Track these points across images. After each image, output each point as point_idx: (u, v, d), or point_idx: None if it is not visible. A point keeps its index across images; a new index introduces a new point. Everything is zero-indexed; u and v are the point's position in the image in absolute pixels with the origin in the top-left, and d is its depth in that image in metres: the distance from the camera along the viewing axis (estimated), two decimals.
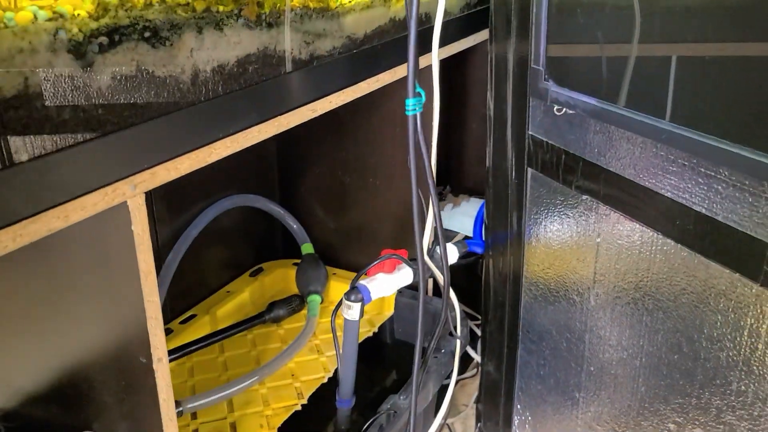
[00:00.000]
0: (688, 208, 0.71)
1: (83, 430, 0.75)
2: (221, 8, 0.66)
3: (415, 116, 0.75)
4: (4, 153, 0.50)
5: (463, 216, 1.36)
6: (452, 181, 1.55)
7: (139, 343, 0.67)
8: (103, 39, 0.55)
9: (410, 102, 0.74)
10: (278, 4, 0.74)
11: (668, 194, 0.73)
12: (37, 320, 0.73)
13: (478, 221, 1.31)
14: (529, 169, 0.98)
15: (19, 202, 0.51)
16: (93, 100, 0.56)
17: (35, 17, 0.49)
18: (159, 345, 0.67)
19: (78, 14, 0.52)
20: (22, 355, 0.79)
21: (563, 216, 0.93)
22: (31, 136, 0.51)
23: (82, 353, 0.72)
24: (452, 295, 1.06)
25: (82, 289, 0.69)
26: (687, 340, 0.75)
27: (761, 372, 0.66)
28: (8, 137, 0.50)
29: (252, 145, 0.74)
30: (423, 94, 0.76)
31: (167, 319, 1.17)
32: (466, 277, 1.42)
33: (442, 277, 0.97)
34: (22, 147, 0.50)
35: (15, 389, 0.83)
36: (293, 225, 1.32)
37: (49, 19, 0.50)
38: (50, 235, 0.54)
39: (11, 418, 0.84)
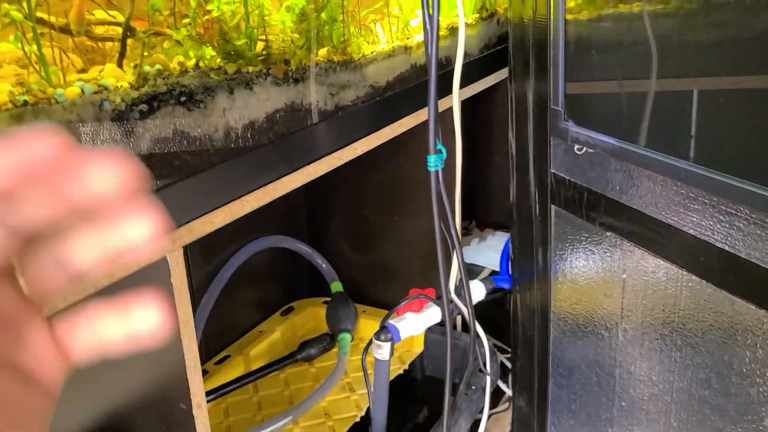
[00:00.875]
0: (710, 245, 0.72)
1: None
2: (251, 69, 0.69)
3: (437, 172, 0.78)
4: None
5: (489, 250, 1.37)
6: (478, 215, 1.56)
7: (179, 391, 0.69)
8: (143, 106, 0.58)
9: (432, 158, 0.77)
10: (304, 60, 0.78)
11: (691, 231, 0.74)
12: (82, 371, 0.76)
13: (505, 256, 1.32)
14: (553, 206, 0.99)
15: None
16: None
17: (82, 91, 0.52)
18: (198, 391, 0.69)
19: (120, 85, 0.56)
20: (67, 405, 0.82)
21: (588, 252, 0.94)
22: None
23: (125, 401, 0.75)
24: (480, 331, 1.07)
25: None
26: (717, 376, 0.75)
27: None
28: None
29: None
30: (444, 151, 0.79)
31: (202, 360, 1.20)
32: (495, 310, 1.43)
33: (467, 312, 0.98)
34: None
35: None
36: (322, 264, 1.34)
37: (95, 92, 0.54)
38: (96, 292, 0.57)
39: None
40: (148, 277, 0.64)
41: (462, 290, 0.99)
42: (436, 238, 0.77)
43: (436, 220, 0.76)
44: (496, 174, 1.54)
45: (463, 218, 1.51)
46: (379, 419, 1.03)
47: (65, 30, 0.52)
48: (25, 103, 0.48)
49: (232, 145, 0.71)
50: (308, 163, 0.81)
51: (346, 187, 1.33)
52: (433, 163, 0.75)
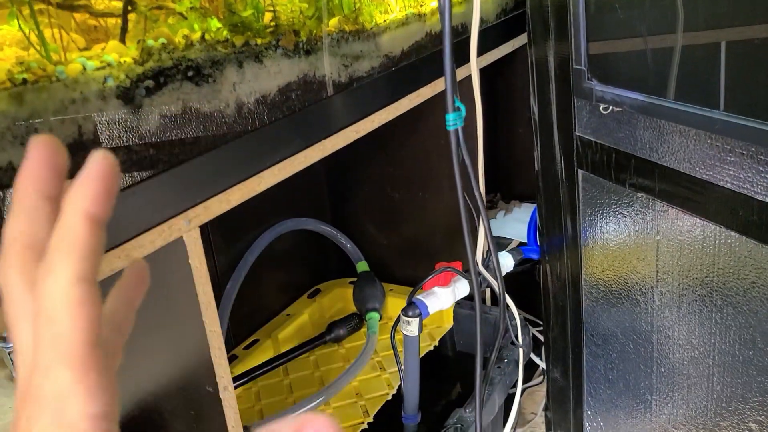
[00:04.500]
0: (750, 198, 0.68)
1: None
2: (259, 41, 0.67)
3: (456, 131, 0.75)
4: None
5: (516, 222, 1.34)
6: (502, 188, 1.53)
7: (205, 373, 0.68)
8: (149, 82, 0.57)
9: (450, 117, 0.74)
10: (314, 31, 0.75)
11: (728, 185, 0.70)
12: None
13: (532, 226, 1.29)
14: (580, 171, 0.96)
15: None
16: (144, 141, 0.58)
17: (84, 68, 0.51)
18: (224, 374, 0.68)
19: (124, 61, 0.54)
20: None
21: (619, 215, 0.91)
22: None
23: (152, 386, 0.74)
24: (511, 303, 1.05)
25: (147, 325, 0.71)
26: (761, 335, 0.72)
27: None
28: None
29: (301, 169, 0.75)
30: (463, 108, 0.76)
31: (231, 345, 1.19)
32: (525, 283, 1.40)
33: (496, 284, 0.96)
34: None
35: None
36: (347, 244, 1.33)
37: (98, 69, 0.52)
38: (113, 275, 0.56)
39: None
40: (165, 258, 0.63)
41: (490, 261, 0.96)
42: (459, 204, 0.75)
43: (458, 185, 0.73)
44: (520, 145, 1.50)
45: (488, 191, 1.47)
46: (412, 396, 1.02)
47: (63, 6, 0.51)
48: (25, 81, 0.46)
49: (245, 120, 0.69)
50: (324, 138, 0.79)
51: (368, 166, 1.30)
52: (453, 121, 0.73)
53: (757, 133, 0.64)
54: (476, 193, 0.77)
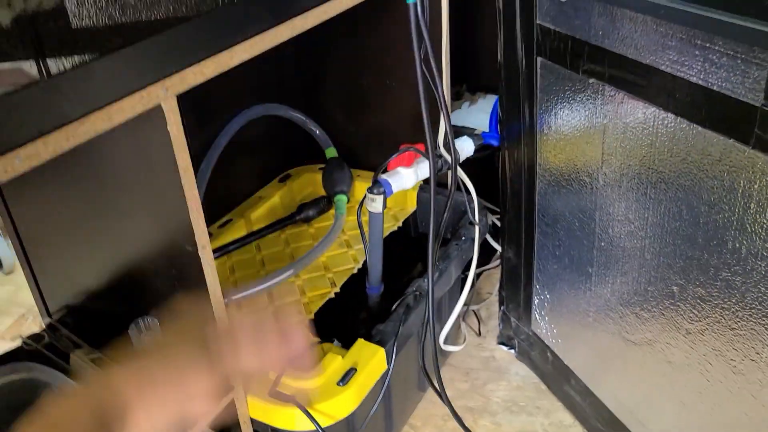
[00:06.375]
0: (685, 81, 0.74)
1: (142, 316, 0.85)
2: None
3: (415, 4, 0.78)
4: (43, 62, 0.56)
5: (479, 112, 1.39)
6: (469, 80, 1.57)
7: (184, 233, 0.74)
8: None
9: None
10: None
11: (668, 69, 0.76)
12: (92, 220, 0.82)
13: (494, 115, 1.35)
14: (539, 58, 1.01)
15: (69, 107, 0.57)
16: (121, 8, 0.61)
17: None
18: (201, 234, 0.75)
19: None
20: (82, 254, 0.88)
21: (572, 102, 0.97)
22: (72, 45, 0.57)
23: (136, 247, 0.81)
24: (469, 184, 1.12)
25: (130, 189, 0.77)
26: (687, 207, 0.80)
27: (753, 229, 0.72)
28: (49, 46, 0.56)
29: (272, 55, 0.79)
30: None
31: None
32: (486, 174, 1.47)
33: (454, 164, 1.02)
34: (66, 56, 0.56)
35: (79, 286, 0.93)
36: (316, 131, 1.37)
37: None
38: (101, 143, 0.61)
39: (79, 312, 0.95)
40: (145, 126, 0.67)
41: (450, 143, 1.02)
42: (418, 78, 0.79)
43: (417, 58, 0.78)
44: (486, 39, 1.53)
45: (454, 82, 1.51)
46: (375, 269, 1.10)
47: None
48: None
49: None
50: (294, 16, 0.82)
51: (337, 53, 1.33)
52: None
53: (694, 18, 0.69)
54: (435, 72, 0.82)
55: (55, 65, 0.56)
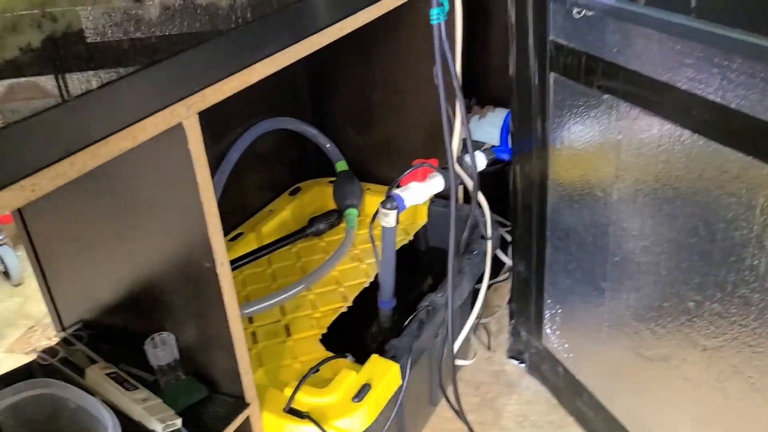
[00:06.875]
0: (703, 99, 0.74)
1: (158, 332, 0.85)
2: None
3: (439, 25, 0.79)
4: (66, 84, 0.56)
5: (489, 126, 1.39)
6: (478, 93, 1.57)
7: (203, 250, 0.75)
8: None
9: (434, 12, 0.78)
10: None
11: (684, 86, 0.77)
12: (109, 235, 0.82)
13: (504, 129, 1.35)
14: (552, 74, 1.01)
15: (94, 126, 0.57)
16: (146, 30, 0.62)
17: None
18: (220, 250, 0.75)
19: None
20: (98, 268, 0.88)
21: (585, 117, 0.97)
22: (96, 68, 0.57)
23: (154, 263, 0.81)
24: (482, 199, 1.12)
25: (148, 205, 0.77)
26: (704, 224, 0.80)
27: None
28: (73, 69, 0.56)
29: (284, 70, 0.79)
30: (446, 3, 0.80)
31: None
32: (496, 187, 1.48)
33: (471, 182, 1.03)
34: (93, 76, 0.57)
35: (94, 300, 0.93)
36: (326, 144, 1.37)
37: None
38: (121, 160, 0.61)
39: (94, 326, 0.95)
40: (166, 144, 0.68)
41: (463, 159, 1.02)
42: (440, 97, 0.80)
43: (439, 74, 0.78)
44: (495, 51, 1.53)
45: (464, 96, 1.52)
46: (387, 283, 1.10)
47: None
48: None
49: (238, 14, 0.72)
50: (311, 34, 0.82)
51: (348, 67, 1.33)
52: (436, 15, 0.77)
53: (712, 37, 0.69)
54: (455, 84, 0.82)
55: (80, 85, 0.56)
